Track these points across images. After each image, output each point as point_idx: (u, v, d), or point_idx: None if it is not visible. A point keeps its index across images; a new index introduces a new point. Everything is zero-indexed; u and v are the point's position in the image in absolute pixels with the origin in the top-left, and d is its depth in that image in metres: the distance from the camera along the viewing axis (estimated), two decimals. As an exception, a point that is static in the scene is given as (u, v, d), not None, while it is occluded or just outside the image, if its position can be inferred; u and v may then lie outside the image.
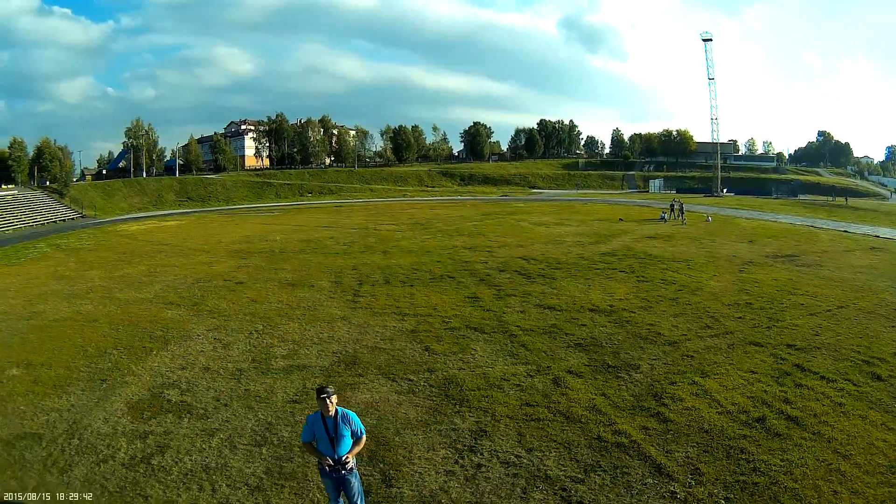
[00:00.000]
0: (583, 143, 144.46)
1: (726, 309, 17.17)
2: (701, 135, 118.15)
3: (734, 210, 54.81)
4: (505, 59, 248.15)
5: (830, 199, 73.87)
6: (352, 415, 6.90)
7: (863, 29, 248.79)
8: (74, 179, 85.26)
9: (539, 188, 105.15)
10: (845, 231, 37.57)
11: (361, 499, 7.04)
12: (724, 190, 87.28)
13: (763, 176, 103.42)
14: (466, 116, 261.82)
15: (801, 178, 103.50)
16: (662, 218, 44.48)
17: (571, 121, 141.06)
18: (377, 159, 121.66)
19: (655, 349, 13.74)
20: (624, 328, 15.50)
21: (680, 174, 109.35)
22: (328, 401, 6.66)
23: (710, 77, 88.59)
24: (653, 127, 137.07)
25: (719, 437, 9.39)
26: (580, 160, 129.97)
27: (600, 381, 11.89)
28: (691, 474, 8.39)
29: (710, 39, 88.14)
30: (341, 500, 6.99)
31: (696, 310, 17.15)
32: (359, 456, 8.55)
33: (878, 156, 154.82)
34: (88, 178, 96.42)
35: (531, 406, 10.77)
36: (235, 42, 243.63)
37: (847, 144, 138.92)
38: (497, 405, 10.80)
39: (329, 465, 6.63)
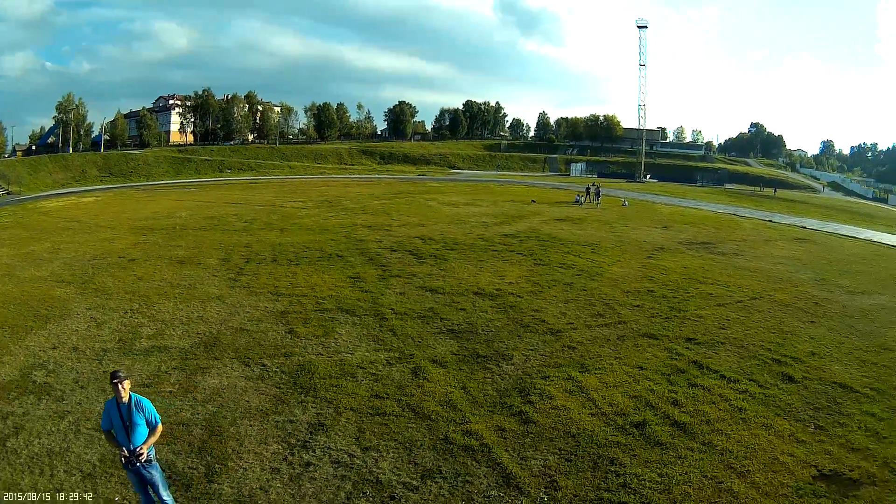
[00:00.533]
0: (508, 125, 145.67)
1: (624, 297, 16.50)
2: (631, 121, 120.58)
3: (655, 196, 55.66)
4: (439, 39, 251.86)
5: (758, 188, 76.69)
6: (146, 402, 6.76)
7: (808, 28, 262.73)
8: (6, 155, 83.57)
9: (459, 168, 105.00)
10: (770, 220, 38.32)
11: (165, 490, 6.90)
12: (648, 176, 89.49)
13: (690, 164, 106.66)
14: (397, 96, 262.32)
15: (729, 167, 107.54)
16: (577, 201, 44.65)
17: (498, 102, 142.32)
18: (300, 136, 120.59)
19: (535, 338, 12.86)
20: (506, 314, 14.60)
21: (604, 159, 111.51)
22: (120, 386, 6.52)
23: (642, 63, 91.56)
24: (586, 112, 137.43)
25: (587, 444, 8.43)
26: (503, 142, 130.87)
27: (464, 373, 10.94)
28: (545, 488, 7.43)
29: (646, 27, 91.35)
30: (151, 493, 6.82)
31: (591, 296, 16.40)
32: (189, 445, 8.68)
33: (813, 150, 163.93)
34: (19, 153, 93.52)
35: (380, 398, 10.04)
36: (174, 15, 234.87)
37: (780, 137, 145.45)
38: (344, 396, 10.11)
39: (125, 457, 6.47)
